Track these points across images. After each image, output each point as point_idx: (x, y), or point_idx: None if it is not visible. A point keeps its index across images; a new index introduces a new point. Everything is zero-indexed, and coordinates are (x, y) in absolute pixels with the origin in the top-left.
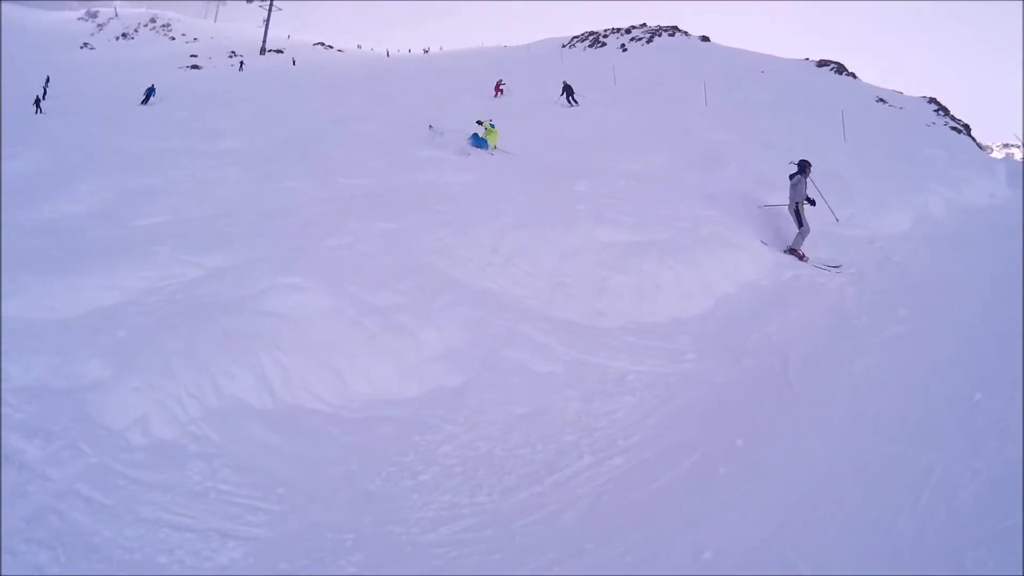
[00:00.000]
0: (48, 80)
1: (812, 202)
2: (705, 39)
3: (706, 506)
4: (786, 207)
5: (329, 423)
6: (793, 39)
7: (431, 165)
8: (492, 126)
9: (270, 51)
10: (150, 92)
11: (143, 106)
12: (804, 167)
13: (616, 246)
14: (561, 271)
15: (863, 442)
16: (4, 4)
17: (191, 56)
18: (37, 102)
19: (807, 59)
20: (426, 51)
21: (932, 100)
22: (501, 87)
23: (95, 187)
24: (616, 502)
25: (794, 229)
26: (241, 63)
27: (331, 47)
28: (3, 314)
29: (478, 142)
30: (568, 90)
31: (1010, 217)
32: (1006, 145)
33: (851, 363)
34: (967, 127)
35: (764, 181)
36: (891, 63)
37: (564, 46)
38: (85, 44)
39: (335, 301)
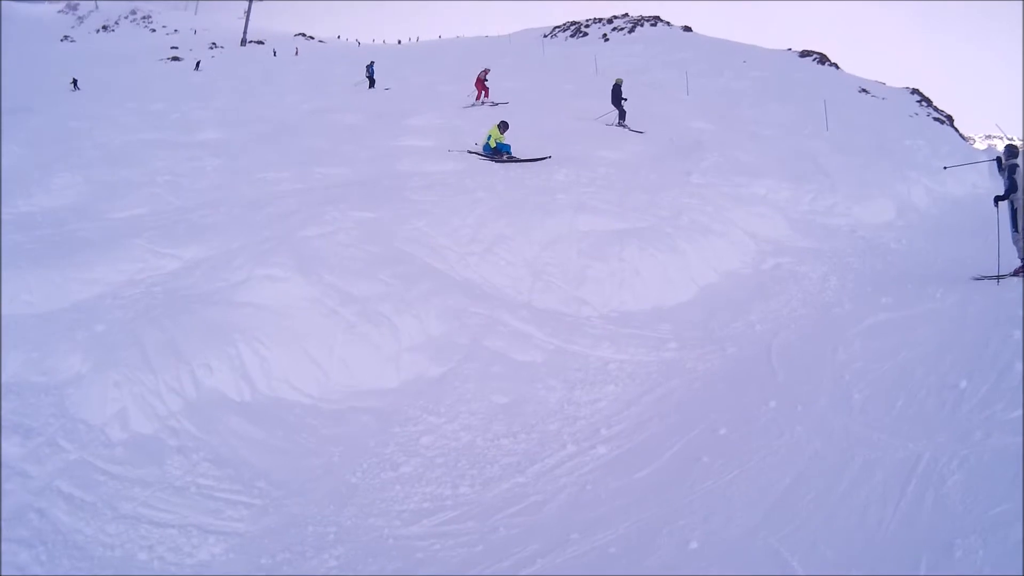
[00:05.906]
0: None
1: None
2: (687, 29)
3: (691, 495)
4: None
5: (309, 414)
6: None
7: (409, 155)
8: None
9: (251, 42)
10: (371, 71)
11: (371, 90)
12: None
13: (597, 235)
14: (541, 260)
15: (847, 431)
16: None
17: (171, 48)
18: None
19: (790, 49)
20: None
21: (915, 91)
22: (485, 81)
23: (73, 180)
24: (600, 492)
25: None
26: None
27: (312, 38)
28: None
29: (501, 148)
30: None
31: (991, 207)
32: (988, 136)
33: (834, 352)
34: (950, 118)
35: (745, 169)
36: (874, 54)
37: (546, 36)
38: (66, 37)
39: (313, 291)
